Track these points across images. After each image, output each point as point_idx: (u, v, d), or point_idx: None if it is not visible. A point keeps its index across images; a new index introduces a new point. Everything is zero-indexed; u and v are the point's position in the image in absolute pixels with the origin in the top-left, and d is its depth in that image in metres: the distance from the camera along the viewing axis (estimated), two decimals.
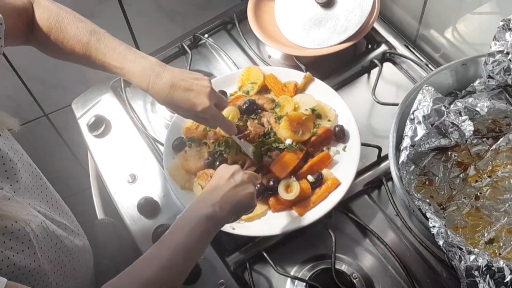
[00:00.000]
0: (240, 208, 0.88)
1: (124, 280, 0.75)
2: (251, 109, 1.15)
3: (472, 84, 1.05)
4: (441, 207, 1.00)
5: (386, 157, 1.13)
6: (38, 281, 0.84)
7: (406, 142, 0.95)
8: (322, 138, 1.11)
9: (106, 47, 0.93)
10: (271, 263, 1.02)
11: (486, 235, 0.96)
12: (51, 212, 0.97)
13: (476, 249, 0.82)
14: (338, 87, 1.26)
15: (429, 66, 1.24)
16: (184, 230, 0.80)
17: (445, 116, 0.98)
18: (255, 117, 1.15)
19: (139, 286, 0.73)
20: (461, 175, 1.03)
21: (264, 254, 1.04)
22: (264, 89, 1.22)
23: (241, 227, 1.04)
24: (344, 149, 1.11)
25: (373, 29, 1.29)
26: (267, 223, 1.05)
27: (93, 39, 0.92)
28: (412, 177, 1.01)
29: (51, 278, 0.88)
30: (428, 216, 0.86)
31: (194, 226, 0.80)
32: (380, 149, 1.12)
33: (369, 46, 1.33)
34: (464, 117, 0.99)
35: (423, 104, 0.96)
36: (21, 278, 0.81)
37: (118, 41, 0.95)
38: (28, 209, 0.87)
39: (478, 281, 0.80)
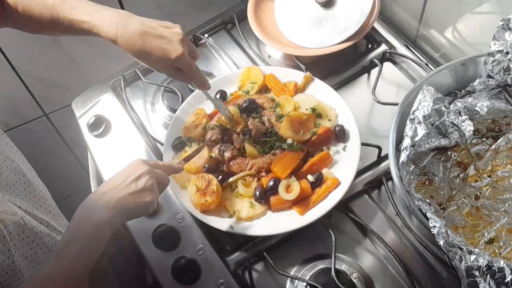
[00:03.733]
0: (133, 215, 0.86)
1: None
2: (250, 108, 1.16)
3: (471, 84, 1.04)
4: (441, 207, 1.00)
5: (386, 157, 1.13)
6: (13, 278, 0.85)
7: (406, 142, 0.95)
8: (322, 138, 1.11)
9: (71, 6, 0.93)
10: (271, 263, 1.02)
11: (486, 235, 0.96)
12: (33, 209, 0.97)
13: (476, 249, 0.82)
14: (338, 87, 1.26)
15: (429, 66, 1.24)
16: (81, 240, 0.79)
17: (445, 116, 0.98)
18: (255, 115, 1.15)
19: None
20: (461, 175, 1.03)
21: (264, 254, 1.04)
22: (264, 89, 1.22)
23: (241, 227, 1.04)
24: (344, 149, 1.11)
25: (373, 29, 1.29)
26: (267, 223, 1.05)
27: (57, 1, 0.93)
28: (412, 177, 1.01)
29: (26, 274, 0.88)
30: (428, 216, 0.86)
31: (91, 235, 0.79)
32: (380, 149, 1.12)
33: (369, 46, 1.33)
34: (464, 117, 0.99)
35: (423, 104, 0.96)
36: None
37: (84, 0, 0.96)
38: (6, 204, 0.87)
39: (478, 281, 0.80)
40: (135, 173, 0.86)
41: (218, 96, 1.21)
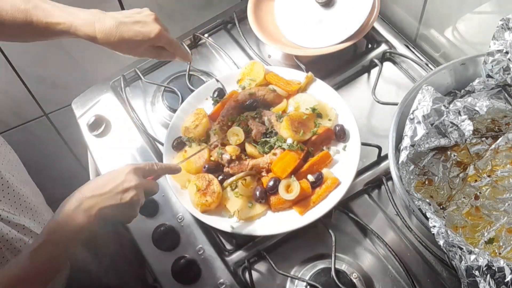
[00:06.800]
0: (114, 222, 0.86)
1: None
2: (251, 106, 1.16)
3: (471, 84, 1.04)
4: (441, 206, 1.00)
5: (386, 157, 1.13)
6: None
7: (406, 141, 0.95)
8: (322, 138, 1.11)
9: (45, 9, 0.94)
10: (271, 262, 1.02)
11: (486, 234, 0.96)
12: (8, 212, 0.96)
13: (476, 249, 0.82)
14: (338, 86, 1.26)
15: (429, 65, 1.24)
16: (57, 243, 0.79)
17: (444, 115, 0.98)
18: (255, 115, 1.15)
19: None
20: (460, 175, 1.03)
21: (264, 253, 1.04)
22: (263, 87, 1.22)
23: (241, 227, 1.04)
24: (344, 149, 1.11)
25: (373, 28, 1.29)
26: (267, 222, 1.05)
27: (30, 5, 0.93)
28: (411, 177, 1.01)
29: None
30: (428, 216, 0.86)
31: (67, 240, 0.80)
32: (380, 148, 1.12)
33: (369, 45, 1.33)
34: (463, 117, 0.99)
35: (423, 104, 0.96)
36: None
37: (54, 3, 0.96)
38: None
39: (478, 280, 0.80)
40: (123, 184, 0.85)
41: (215, 94, 1.21)
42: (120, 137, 1.27)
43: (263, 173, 1.09)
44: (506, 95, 1.03)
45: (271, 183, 1.05)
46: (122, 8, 1.46)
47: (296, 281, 1.01)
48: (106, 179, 0.86)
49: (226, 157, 1.09)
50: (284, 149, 1.08)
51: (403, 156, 0.94)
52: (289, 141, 1.09)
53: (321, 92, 1.18)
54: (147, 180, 0.91)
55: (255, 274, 1.04)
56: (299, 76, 1.20)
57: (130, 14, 0.97)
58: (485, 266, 0.80)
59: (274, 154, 1.08)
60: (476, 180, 1.02)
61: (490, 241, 0.95)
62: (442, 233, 0.83)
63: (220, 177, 1.09)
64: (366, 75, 1.29)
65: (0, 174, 0.98)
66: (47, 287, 0.81)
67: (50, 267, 0.78)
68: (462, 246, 0.82)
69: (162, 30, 0.97)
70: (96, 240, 1.17)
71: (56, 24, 0.93)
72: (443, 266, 0.99)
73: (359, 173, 1.11)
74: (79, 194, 0.84)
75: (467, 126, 0.97)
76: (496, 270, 0.79)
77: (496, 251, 0.94)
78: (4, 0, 0.93)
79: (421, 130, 0.95)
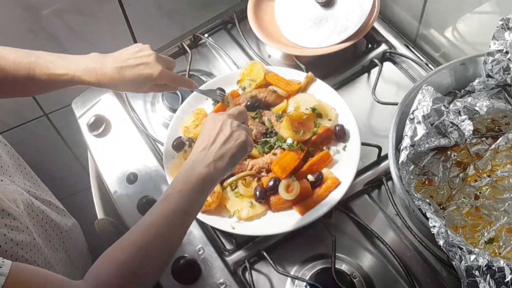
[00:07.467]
0: (235, 160, 0.88)
1: (118, 247, 0.74)
2: (253, 106, 1.16)
3: (471, 84, 1.04)
4: (441, 206, 1.00)
5: (386, 157, 1.13)
6: (37, 255, 0.88)
7: (406, 141, 0.95)
8: (322, 138, 1.12)
9: (47, 61, 0.95)
10: (271, 262, 1.02)
11: (486, 234, 0.96)
12: (35, 190, 1.01)
13: (476, 249, 0.82)
14: (338, 86, 1.26)
15: (429, 65, 1.24)
16: (180, 194, 0.80)
17: (444, 115, 0.98)
18: (255, 115, 1.15)
19: (133, 252, 0.73)
20: (460, 175, 1.03)
21: (264, 253, 1.04)
22: (264, 87, 1.22)
23: (241, 227, 1.04)
24: (344, 149, 1.11)
25: (373, 28, 1.29)
26: (267, 222, 1.05)
27: (33, 58, 0.95)
28: (411, 177, 1.01)
29: (45, 251, 0.91)
30: (428, 216, 0.86)
31: (189, 190, 0.80)
32: (380, 148, 1.12)
33: (369, 45, 1.33)
34: (463, 117, 0.99)
35: (423, 104, 0.96)
36: (22, 254, 0.84)
37: (56, 54, 0.98)
38: (13, 186, 0.91)
39: (478, 280, 0.80)
40: (216, 125, 0.88)
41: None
42: (120, 137, 1.27)
43: (263, 173, 1.09)
44: (506, 95, 1.03)
45: (271, 183, 1.05)
46: (122, 8, 1.46)
47: (296, 281, 1.01)
48: (201, 135, 0.89)
49: None
50: (284, 149, 1.08)
51: (403, 156, 0.94)
52: (289, 141, 1.09)
53: (321, 92, 1.18)
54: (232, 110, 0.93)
55: (255, 274, 1.04)
56: (299, 76, 1.21)
57: (130, 55, 0.98)
58: (485, 266, 0.80)
59: (274, 154, 1.09)
60: (476, 180, 1.02)
61: (490, 241, 0.95)
62: (442, 233, 0.83)
63: None
64: (366, 75, 1.29)
65: (16, 155, 1.03)
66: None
67: (178, 213, 0.79)
68: (462, 246, 0.82)
69: (163, 69, 0.98)
70: (97, 241, 1.18)
71: (59, 75, 0.95)
72: (443, 266, 0.99)
73: (359, 173, 1.11)
74: (192, 153, 0.87)
75: (467, 126, 0.97)
76: (496, 270, 0.79)
77: (496, 251, 0.94)
78: (6, 56, 0.95)
79: (421, 130, 0.95)
